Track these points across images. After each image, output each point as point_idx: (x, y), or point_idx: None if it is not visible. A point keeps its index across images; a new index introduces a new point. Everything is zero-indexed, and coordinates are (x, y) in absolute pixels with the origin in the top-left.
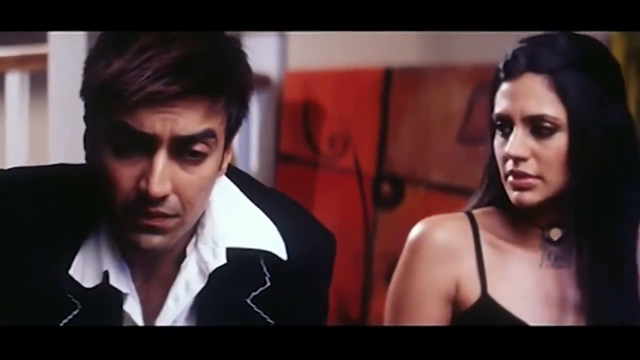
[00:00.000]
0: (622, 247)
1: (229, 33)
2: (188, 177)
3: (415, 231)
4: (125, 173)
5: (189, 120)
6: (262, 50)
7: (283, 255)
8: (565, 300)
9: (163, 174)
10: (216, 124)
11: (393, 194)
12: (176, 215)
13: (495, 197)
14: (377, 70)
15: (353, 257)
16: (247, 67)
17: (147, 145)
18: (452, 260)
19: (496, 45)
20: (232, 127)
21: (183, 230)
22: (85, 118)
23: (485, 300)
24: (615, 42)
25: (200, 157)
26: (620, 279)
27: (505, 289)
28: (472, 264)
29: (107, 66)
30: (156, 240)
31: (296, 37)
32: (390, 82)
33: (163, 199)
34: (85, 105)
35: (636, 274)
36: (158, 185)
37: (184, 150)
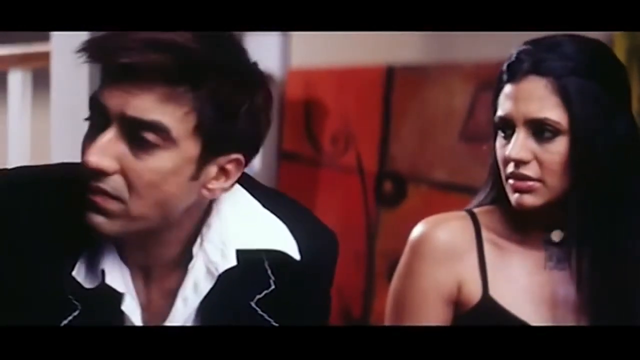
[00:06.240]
0: (625, 250)
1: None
2: (136, 162)
3: (416, 231)
4: (86, 149)
5: (142, 103)
6: (264, 48)
7: (296, 255)
8: (567, 302)
9: (105, 147)
10: (172, 119)
11: (395, 192)
12: (118, 198)
13: (498, 196)
14: (379, 68)
15: (355, 255)
16: (235, 72)
17: (102, 120)
18: (454, 260)
19: (499, 43)
20: (209, 136)
21: (132, 224)
22: None
23: (487, 301)
24: (617, 40)
25: (149, 147)
26: (623, 282)
27: (506, 290)
28: (474, 264)
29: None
30: (99, 219)
31: (298, 36)
32: (392, 80)
33: (105, 175)
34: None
35: (639, 276)
36: (94, 154)
37: (134, 133)
